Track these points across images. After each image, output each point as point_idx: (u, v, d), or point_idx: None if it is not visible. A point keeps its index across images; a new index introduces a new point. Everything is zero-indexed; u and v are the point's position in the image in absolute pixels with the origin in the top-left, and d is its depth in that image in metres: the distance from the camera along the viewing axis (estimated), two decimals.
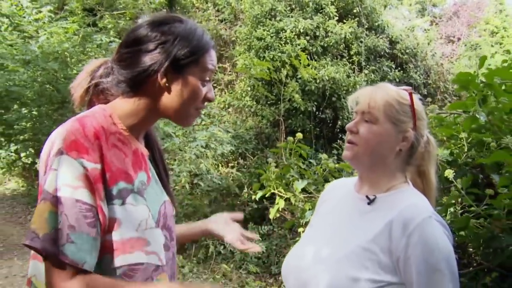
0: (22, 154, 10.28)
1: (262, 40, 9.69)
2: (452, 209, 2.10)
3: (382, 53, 10.82)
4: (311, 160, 4.31)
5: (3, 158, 11.18)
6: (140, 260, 1.25)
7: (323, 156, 3.34)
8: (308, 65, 9.00)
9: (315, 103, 9.65)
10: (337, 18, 10.34)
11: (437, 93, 11.81)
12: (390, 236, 1.32)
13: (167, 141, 7.16)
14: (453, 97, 11.39)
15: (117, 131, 1.30)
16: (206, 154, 7.56)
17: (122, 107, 1.33)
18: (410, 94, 1.47)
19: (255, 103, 9.76)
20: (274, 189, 3.28)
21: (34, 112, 9.06)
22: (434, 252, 1.27)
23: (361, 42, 10.41)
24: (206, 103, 1.39)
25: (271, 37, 9.70)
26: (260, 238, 6.88)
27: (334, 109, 9.89)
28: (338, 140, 8.63)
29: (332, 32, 10.05)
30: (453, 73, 11.94)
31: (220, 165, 8.82)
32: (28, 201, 10.01)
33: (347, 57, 10.38)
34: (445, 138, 2.39)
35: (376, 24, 10.96)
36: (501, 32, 17.47)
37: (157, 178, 1.43)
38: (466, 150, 2.23)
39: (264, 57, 9.38)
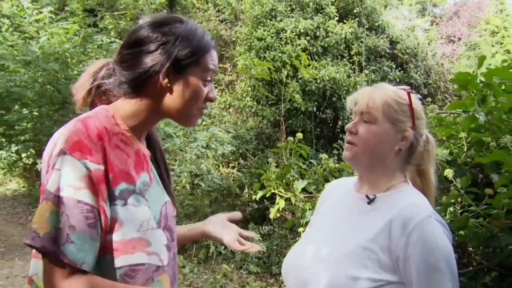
0: (23, 155, 10.27)
1: (263, 41, 9.69)
2: (451, 209, 2.11)
3: (382, 53, 10.82)
4: (311, 160, 4.31)
5: (4, 159, 11.18)
6: (142, 261, 1.26)
7: (323, 156, 3.34)
8: (309, 65, 9.00)
9: (316, 103, 9.65)
10: (337, 18, 10.34)
11: (438, 93, 11.81)
12: (389, 235, 1.33)
13: (168, 141, 7.16)
14: (454, 97, 11.38)
15: (120, 132, 1.31)
16: (207, 154, 7.56)
17: (124, 108, 1.33)
18: (409, 93, 1.48)
19: (255, 103, 9.76)
20: (274, 189, 3.29)
21: (35, 113, 9.07)
22: (433, 251, 1.28)
23: (362, 42, 10.41)
24: (208, 103, 1.40)
25: (272, 37, 9.70)
26: (260, 238, 6.88)
27: (334, 109, 9.89)
28: (339, 140, 8.62)
29: (332, 32, 10.05)
30: (454, 73, 11.91)
31: (220, 165, 8.82)
32: (29, 202, 10.02)
33: (347, 57, 10.38)
34: (444, 138, 2.39)
35: (377, 24, 10.96)
36: (502, 32, 17.46)
37: (158, 179, 1.44)
38: (465, 149, 2.23)
39: (264, 57, 9.38)
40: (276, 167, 3.44)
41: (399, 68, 10.98)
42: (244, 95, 9.88)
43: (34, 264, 1.29)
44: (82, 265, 1.15)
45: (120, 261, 1.23)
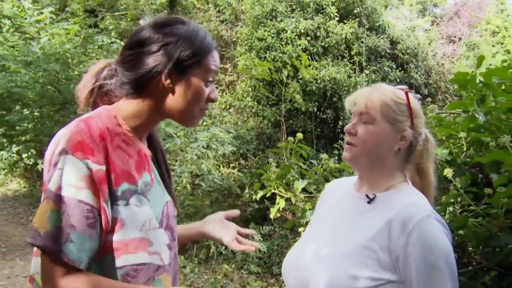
0: (24, 155, 10.28)
1: (263, 41, 9.69)
2: (451, 208, 2.11)
3: (383, 53, 10.82)
4: (312, 161, 4.31)
5: (5, 159, 11.19)
6: (144, 260, 1.27)
7: (324, 156, 3.34)
8: (309, 65, 9.02)
9: (316, 103, 9.66)
10: (337, 18, 10.34)
11: (438, 93, 11.81)
12: (389, 234, 1.33)
13: (169, 141, 7.16)
14: (454, 97, 11.37)
15: (122, 132, 1.31)
16: (207, 154, 7.56)
17: (126, 108, 1.34)
18: (406, 93, 1.48)
19: (256, 103, 9.77)
20: (274, 189, 3.29)
21: (35, 113, 9.07)
22: (433, 250, 1.28)
23: (362, 42, 10.42)
24: (209, 104, 1.41)
25: (272, 37, 9.70)
26: (261, 239, 6.89)
27: (335, 110, 9.90)
28: (339, 141, 8.61)
29: (333, 32, 10.05)
30: (454, 73, 11.92)
31: (221, 165, 8.83)
32: (30, 202, 10.03)
33: (348, 58, 10.38)
34: (444, 138, 2.40)
35: (377, 24, 10.96)
36: (502, 32, 17.44)
37: (160, 179, 1.44)
38: (465, 149, 2.24)
39: (265, 57, 9.39)
40: (277, 167, 3.44)
41: (400, 68, 10.98)
42: (245, 96, 9.88)
43: (35, 263, 1.30)
44: (80, 264, 1.16)
45: (122, 260, 1.23)
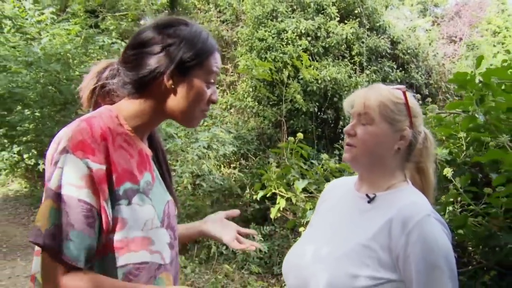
0: (25, 156, 10.29)
1: (264, 41, 9.70)
2: (450, 208, 2.12)
3: (383, 53, 10.82)
4: (313, 161, 4.32)
5: (6, 160, 11.19)
6: (145, 259, 1.28)
7: (324, 156, 3.34)
8: (310, 65, 9.01)
9: (317, 103, 9.66)
10: (338, 18, 10.34)
11: (439, 93, 11.80)
12: (389, 234, 1.34)
13: (169, 142, 7.16)
14: (455, 97, 11.35)
15: (123, 132, 1.32)
16: (208, 155, 7.56)
17: (128, 108, 1.35)
18: (404, 92, 1.49)
19: (257, 103, 9.77)
20: (275, 189, 3.29)
21: (36, 114, 9.08)
22: (433, 249, 1.29)
23: (363, 42, 10.42)
24: (210, 105, 1.42)
25: (273, 38, 9.71)
26: (262, 239, 6.89)
27: (336, 110, 9.89)
28: (340, 141, 8.61)
29: (333, 32, 10.05)
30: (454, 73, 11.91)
31: (222, 165, 8.84)
32: (31, 202, 10.03)
33: (348, 58, 10.38)
34: (444, 138, 2.40)
35: (378, 24, 10.95)
36: (503, 32, 17.42)
37: (160, 179, 1.45)
38: (464, 149, 2.24)
39: (265, 58, 9.39)
40: (277, 167, 3.45)
41: (400, 69, 10.98)
42: (246, 96, 9.89)
43: (36, 262, 1.31)
44: (77, 263, 1.17)
45: (124, 259, 1.24)
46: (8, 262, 6.44)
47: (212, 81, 1.37)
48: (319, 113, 9.95)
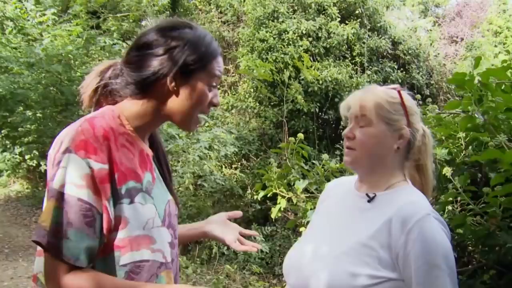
0: (27, 157, 10.32)
1: (265, 42, 9.71)
2: (449, 207, 2.12)
3: (384, 53, 10.83)
4: (314, 161, 4.32)
5: (8, 160, 11.23)
6: (147, 258, 1.28)
7: (324, 156, 3.34)
8: (311, 66, 9.02)
9: (318, 104, 9.67)
10: (339, 19, 10.36)
11: (440, 93, 11.81)
12: (389, 233, 1.34)
13: (171, 142, 7.18)
14: (456, 97, 11.36)
15: (125, 132, 1.33)
16: (210, 155, 7.57)
17: (130, 109, 1.36)
18: (399, 92, 1.49)
19: (258, 104, 9.79)
20: (276, 189, 3.29)
21: (38, 115, 9.10)
22: (432, 248, 1.29)
23: (364, 43, 10.43)
24: (211, 108, 1.43)
25: (274, 38, 9.72)
26: (263, 239, 6.90)
27: (337, 110, 9.78)
28: (341, 141, 8.60)
29: (334, 33, 10.07)
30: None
31: (223, 166, 8.85)
32: (33, 203, 10.06)
33: (349, 58, 10.39)
34: (443, 138, 2.40)
35: (379, 25, 10.97)
36: (505, 32, 17.38)
37: (161, 178, 1.46)
38: (463, 149, 2.25)
39: (266, 58, 9.41)
40: (279, 167, 3.45)
41: (401, 69, 10.99)
42: (247, 96, 9.91)
43: (38, 262, 1.31)
44: (76, 262, 1.18)
45: (126, 258, 1.25)
46: (10, 262, 6.46)
47: (215, 84, 1.39)
48: (320, 114, 9.96)
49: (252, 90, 9.83)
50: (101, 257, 1.24)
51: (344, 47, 10.27)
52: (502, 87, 2.29)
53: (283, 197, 3.29)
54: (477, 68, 2.26)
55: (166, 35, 1.32)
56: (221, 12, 11.91)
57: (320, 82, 9.34)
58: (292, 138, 3.28)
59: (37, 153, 9.75)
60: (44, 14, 9.94)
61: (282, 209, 3.32)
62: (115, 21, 10.90)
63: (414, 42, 11.63)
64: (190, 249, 6.95)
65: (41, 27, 9.82)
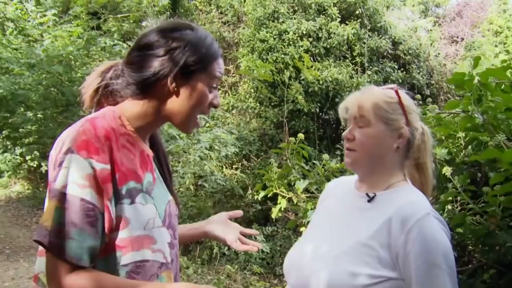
0: (28, 157, 10.32)
1: (265, 42, 9.72)
2: (449, 206, 2.13)
3: (385, 54, 10.84)
4: (314, 162, 4.33)
5: (9, 161, 11.24)
6: (147, 258, 1.29)
7: (325, 156, 3.35)
8: (311, 66, 9.02)
9: (319, 104, 9.68)
10: (339, 19, 10.36)
11: (440, 93, 11.81)
12: (389, 232, 1.35)
13: (172, 143, 7.18)
14: (456, 97, 11.36)
15: (126, 133, 1.33)
16: (210, 156, 7.58)
17: (131, 109, 1.36)
18: (396, 91, 1.50)
19: (258, 104, 9.79)
20: (276, 189, 3.30)
21: (39, 115, 9.10)
22: (432, 248, 1.30)
23: (364, 43, 10.43)
24: (211, 109, 1.43)
25: (274, 39, 9.73)
26: (264, 239, 6.90)
27: (337, 110, 9.88)
28: (342, 141, 8.60)
29: (334, 33, 10.07)
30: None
31: (224, 166, 8.86)
32: (34, 204, 10.07)
33: (350, 58, 10.40)
34: (443, 137, 2.41)
35: (379, 25, 10.97)
36: (505, 32, 17.36)
37: (161, 179, 1.47)
38: (463, 148, 2.25)
39: (267, 59, 9.41)
40: (279, 167, 3.45)
41: (402, 69, 10.99)
42: (247, 97, 9.91)
43: (40, 262, 1.32)
44: (79, 261, 1.18)
45: (127, 258, 1.25)
46: (11, 263, 6.47)
47: (215, 85, 1.39)
48: (320, 114, 9.96)
49: (252, 90, 9.84)
50: (103, 257, 1.25)
51: (345, 47, 10.27)
52: (502, 87, 2.29)
53: (284, 197, 3.30)
54: (476, 68, 2.27)
55: (167, 36, 1.33)
56: (221, 13, 11.92)
57: (321, 82, 9.35)
58: (292, 138, 3.28)
59: (38, 154, 9.75)
60: (45, 15, 9.95)
61: (282, 209, 3.32)
62: (115, 22, 10.91)
63: (415, 42, 11.63)
64: (191, 250, 6.96)
65: (42, 28, 9.83)
